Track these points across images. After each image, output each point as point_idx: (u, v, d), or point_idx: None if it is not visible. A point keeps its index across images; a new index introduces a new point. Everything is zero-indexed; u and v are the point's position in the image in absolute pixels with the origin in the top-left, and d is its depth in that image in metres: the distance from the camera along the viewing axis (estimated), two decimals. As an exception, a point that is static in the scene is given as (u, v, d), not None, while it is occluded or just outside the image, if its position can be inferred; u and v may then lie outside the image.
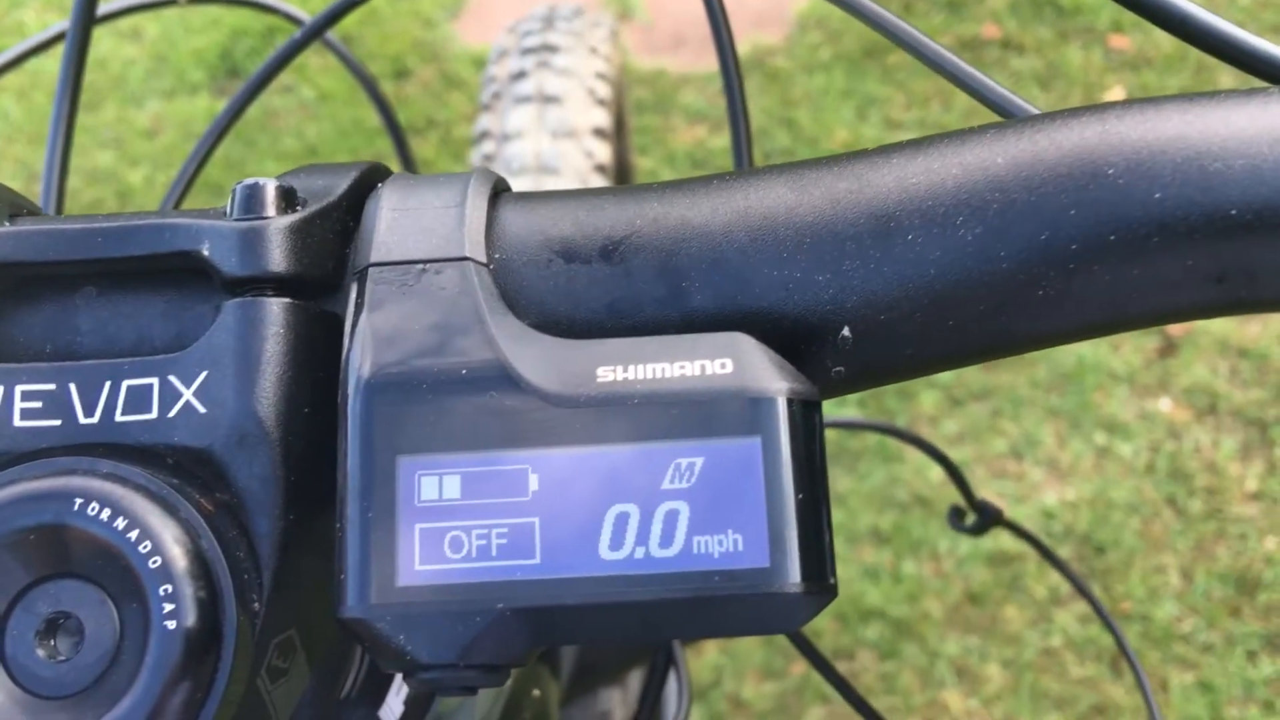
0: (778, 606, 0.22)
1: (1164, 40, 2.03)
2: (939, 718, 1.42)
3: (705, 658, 1.48)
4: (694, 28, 2.17)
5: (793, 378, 0.23)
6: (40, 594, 0.22)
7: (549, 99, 0.91)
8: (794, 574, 0.21)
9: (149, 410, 0.23)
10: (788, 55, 2.09)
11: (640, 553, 0.21)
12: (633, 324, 0.24)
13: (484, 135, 0.93)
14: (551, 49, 0.96)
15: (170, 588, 0.21)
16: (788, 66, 2.08)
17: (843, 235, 0.24)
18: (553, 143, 0.87)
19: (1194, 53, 2.05)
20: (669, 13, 2.21)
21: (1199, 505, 1.54)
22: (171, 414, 0.23)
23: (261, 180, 0.24)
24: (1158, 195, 0.23)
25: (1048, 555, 0.53)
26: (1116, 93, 1.93)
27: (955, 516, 0.54)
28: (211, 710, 0.21)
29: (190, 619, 0.21)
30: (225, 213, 0.24)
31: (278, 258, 0.24)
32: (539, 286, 0.25)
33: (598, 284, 0.25)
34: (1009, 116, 0.29)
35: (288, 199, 0.25)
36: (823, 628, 1.49)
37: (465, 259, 0.24)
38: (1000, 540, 1.51)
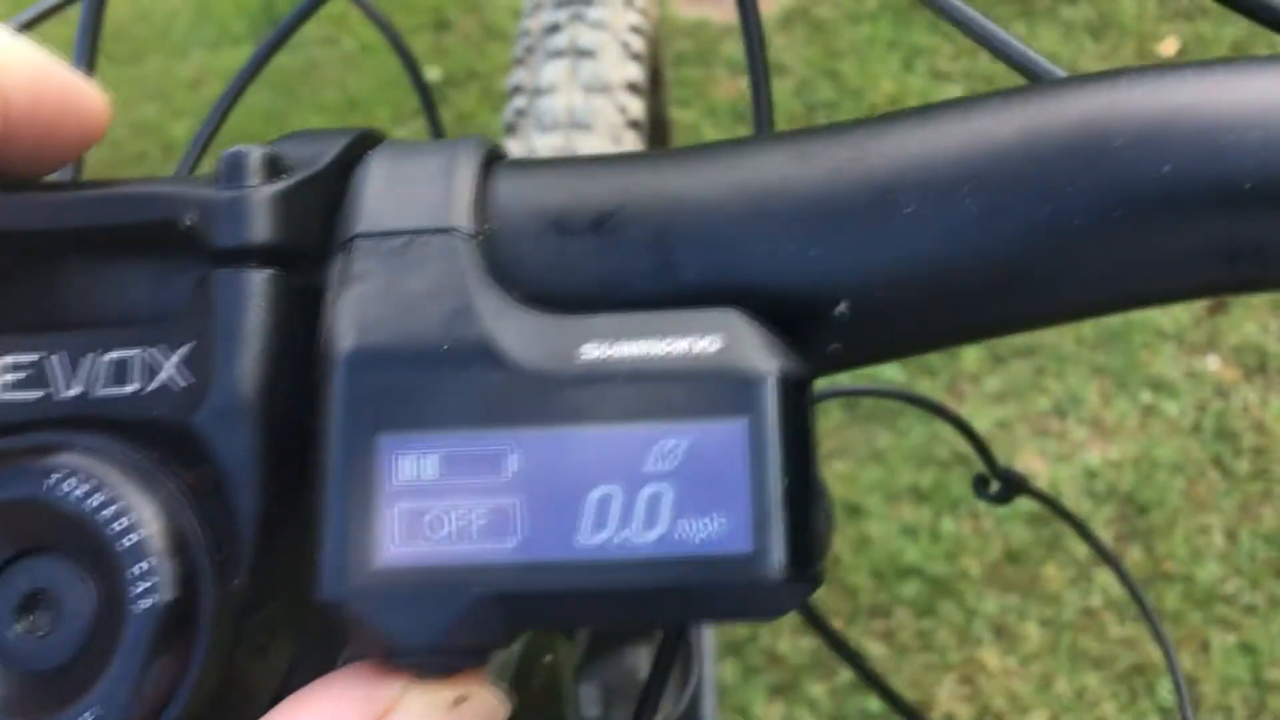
0: (760, 594, 0.21)
1: (1221, -12, 1.97)
2: (976, 675, 1.42)
3: (742, 612, 1.48)
4: (738, -23, 2.14)
5: (784, 356, 0.22)
6: (19, 569, 0.22)
7: (582, 53, 0.90)
8: (777, 561, 0.21)
9: (130, 383, 0.23)
10: (833, 4, 2.06)
11: (622, 537, 0.21)
12: (623, 298, 0.24)
13: (517, 90, 0.92)
14: (586, 2, 0.95)
15: (146, 565, 0.21)
16: (833, 16, 2.04)
17: (840, 208, 0.23)
18: (585, 98, 0.86)
19: (1253, 1, 1.99)
20: (713, -38, 2.18)
21: (1245, 465, 1.51)
22: (153, 387, 0.23)
23: (246, 148, 0.24)
24: (1167, 169, 0.21)
25: (1071, 520, 0.52)
26: (1170, 43, 1.88)
27: (979, 484, 0.53)
28: (189, 685, 0.21)
29: (166, 596, 0.21)
30: (211, 180, 0.24)
31: (262, 228, 0.23)
32: (528, 259, 0.24)
33: (588, 257, 0.24)
34: (1033, 77, 0.28)
35: (274, 166, 0.24)
36: (859, 584, 1.49)
37: (452, 229, 0.23)
38: (1041, 499, 1.50)
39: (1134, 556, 1.47)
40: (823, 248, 0.23)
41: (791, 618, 1.45)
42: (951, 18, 0.30)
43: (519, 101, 0.91)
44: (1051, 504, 0.52)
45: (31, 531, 0.22)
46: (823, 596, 1.48)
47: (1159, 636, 0.49)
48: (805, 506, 0.21)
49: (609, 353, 0.22)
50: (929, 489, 1.54)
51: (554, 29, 0.94)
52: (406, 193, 0.24)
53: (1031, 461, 1.54)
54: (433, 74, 2.05)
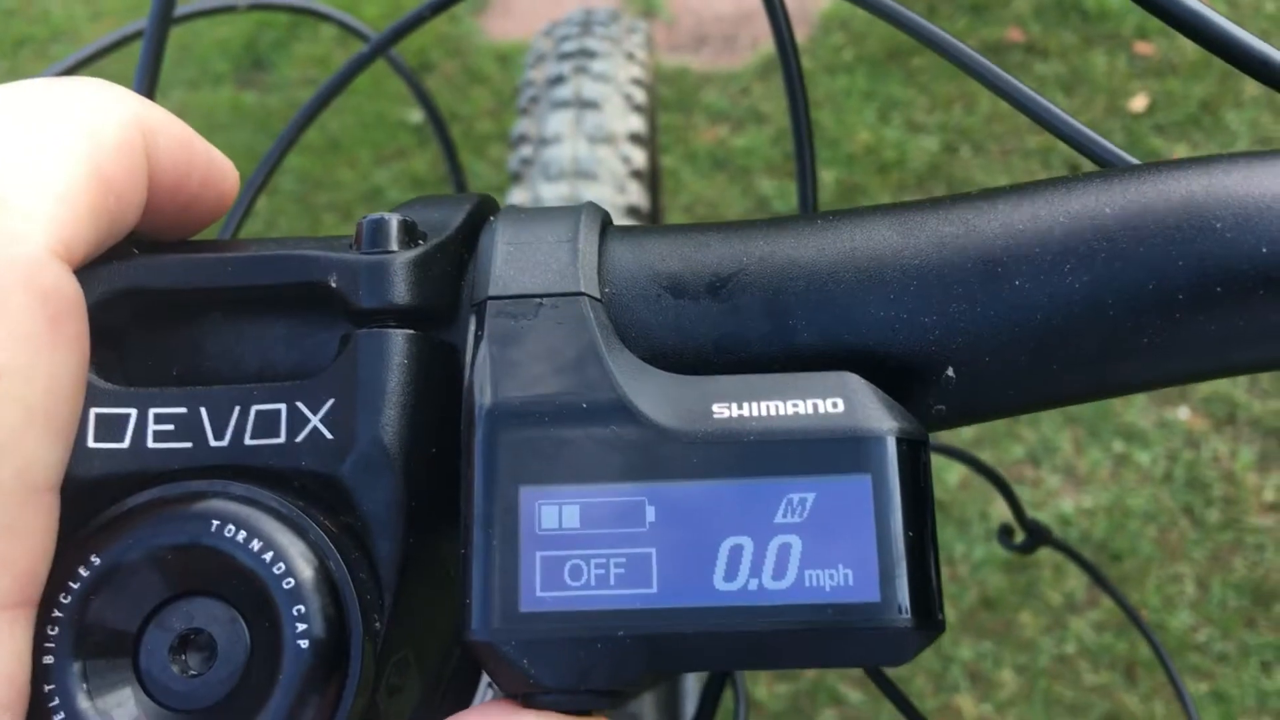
0: (887, 640, 0.22)
1: (1188, 47, 2.02)
2: (952, 722, 1.43)
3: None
4: (716, 25, 2.18)
5: (901, 417, 0.23)
6: (174, 611, 0.22)
7: (586, 104, 0.91)
8: (904, 609, 0.22)
9: (277, 435, 0.24)
10: (810, 56, 2.09)
11: (754, 584, 0.22)
12: (739, 359, 0.25)
13: (521, 139, 0.94)
14: (589, 54, 0.96)
15: (303, 608, 0.22)
16: (810, 67, 2.08)
17: (949, 279, 0.24)
18: (590, 148, 0.88)
19: (1218, 60, 2.04)
20: (692, 10, 2.22)
21: (1216, 515, 1.54)
22: (299, 439, 0.23)
23: (386, 215, 0.25)
24: (1264, 250, 0.23)
25: (1094, 575, 0.53)
26: (1140, 100, 1.93)
27: (1005, 535, 0.55)
28: None
29: (321, 638, 0.22)
30: (349, 244, 0.25)
31: (402, 290, 0.24)
32: (649, 321, 0.25)
33: (706, 319, 0.25)
34: (1098, 160, 0.29)
35: (410, 233, 0.25)
36: (838, 630, 1.49)
37: (581, 294, 0.25)
38: (1017, 546, 1.51)
39: (1107, 604, 1.49)
40: (933, 316, 0.24)
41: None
42: (1019, 104, 0.31)
43: (524, 151, 0.92)
44: (1075, 556, 0.54)
45: (186, 575, 0.22)
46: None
47: (1178, 690, 0.50)
48: (925, 558, 0.23)
49: (738, 413, 0.23)
50: (907, 535, 1.55)
51: (558, 80, 0.95)
52: (533, 258, 0.25)
53: (1006, 509, 1.56)
54: (415, 117, 2.07)
